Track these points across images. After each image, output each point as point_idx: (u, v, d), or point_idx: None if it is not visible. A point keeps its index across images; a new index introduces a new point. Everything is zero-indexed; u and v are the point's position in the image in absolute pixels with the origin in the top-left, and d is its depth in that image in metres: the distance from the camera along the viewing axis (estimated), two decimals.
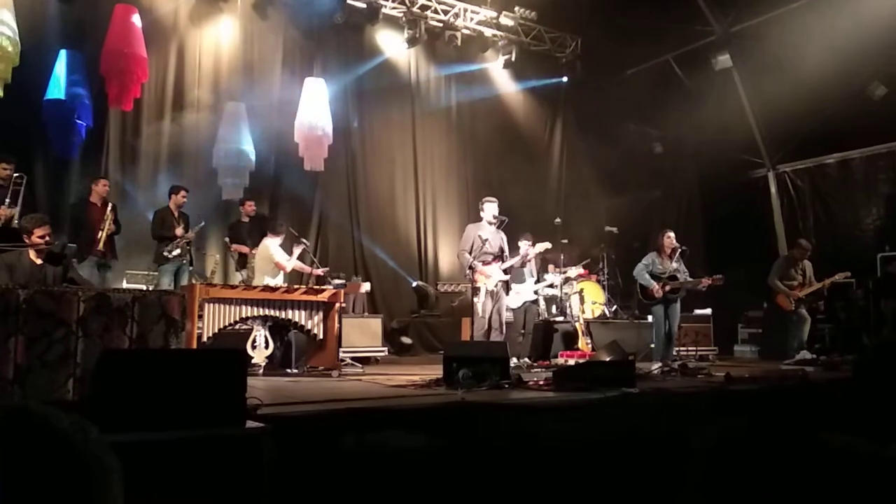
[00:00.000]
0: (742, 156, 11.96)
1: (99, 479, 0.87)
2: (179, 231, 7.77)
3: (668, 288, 7.54)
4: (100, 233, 7.34)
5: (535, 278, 8.42)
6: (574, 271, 9.32)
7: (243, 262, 8.42)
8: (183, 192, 8.02)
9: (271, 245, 7.47)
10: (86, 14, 8.78)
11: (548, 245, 7.59)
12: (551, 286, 9.12)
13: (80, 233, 7.45)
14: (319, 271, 7.84)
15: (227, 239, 8.55)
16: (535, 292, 8.32)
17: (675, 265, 7.69)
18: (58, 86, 8.20)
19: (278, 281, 7.38)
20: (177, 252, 7.73)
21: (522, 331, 8.13)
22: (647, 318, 8.78)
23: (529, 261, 8.00)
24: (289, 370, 6.73)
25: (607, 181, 12.44)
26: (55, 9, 8.64)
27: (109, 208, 7.49)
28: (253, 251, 8.20)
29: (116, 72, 8.42)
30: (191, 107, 9.62)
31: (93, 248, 7.34)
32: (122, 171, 8.98)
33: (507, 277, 7.49)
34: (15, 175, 6.80)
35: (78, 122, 8.22)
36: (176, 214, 7.97)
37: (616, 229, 10.88)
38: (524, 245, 7.87)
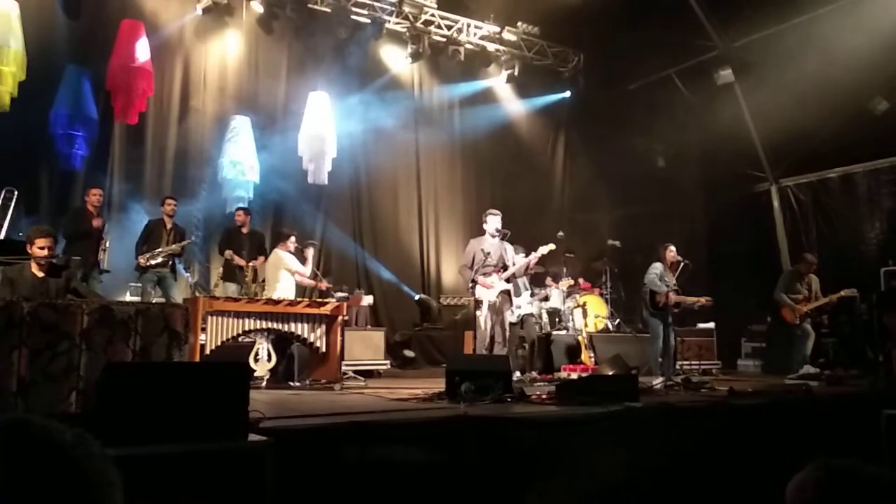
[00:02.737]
0: (745, 170, 11.98)
1: (100, 493, 0.87)
2: (164, 243, 7.79)
3: (674, 299, 7.55)
4: (101, 253, 7.36)
5: (529, 291, 8.40)
6: (565, 283, 9.27)
7: (232, 272, 8.23)
8: (169, 201, 8.05)
9: (284, 256, 7.48)
10: (92, 29, 8.85)
11: (552, 246, 7.54)
12: (546, 298, 9.11)
13: (74, 242, 7.44)
14: (323, 284, 7.84)
15: (227, 252, 8.45)
16: (531, 304, 8.30)
17: (674, 279, 7.71)
18: (64, 100, 8.26)
19: (292, 289, 7.38)
20: (155, 261, 7.72)
21: (524, 344, 8.11)
22: (649, 332, 8.76)
23: (533, 266, 7.94)
24: (291, 383, 6.73)
25: (610, 195, 12.45)
26: (62, 24, 8.70)
27: (105, 230, 7.52)
28: (251, 264, 8.15)
29: (122, 86, 8.49)
30: (195, 120, 9.68)
31: (87, 260, 7.35)
32: (127, 185, 9.00)
33: (509, 287, 7.47)
34: (5, 189, 6.81)
35: (83, 136, 8.27)
36: (168, 226, 7.98)
37: (619, 243, 10.88)
38: (519, 257, 7.85)
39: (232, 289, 8.11)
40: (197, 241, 8.75)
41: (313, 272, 7.82)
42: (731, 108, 11.26)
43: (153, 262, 7.70)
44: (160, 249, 7.76)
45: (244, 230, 8.54)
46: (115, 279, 7.86)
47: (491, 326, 7.21)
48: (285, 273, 7.54)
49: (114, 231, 7.89)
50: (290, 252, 7.61)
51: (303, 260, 7.74)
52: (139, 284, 7.96)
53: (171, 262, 7.91)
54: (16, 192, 6.89)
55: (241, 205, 9.13)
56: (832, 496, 1.23)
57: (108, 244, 7.54)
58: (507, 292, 7.43)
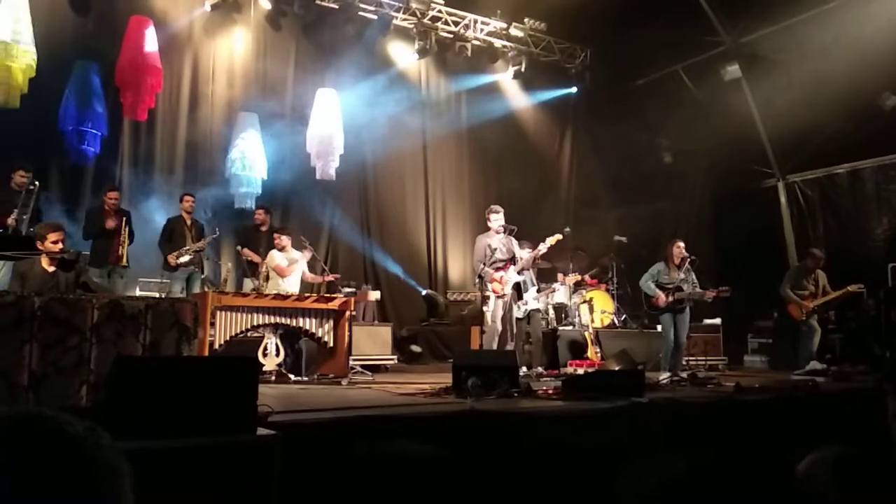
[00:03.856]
0: (752, 166, 11.94)
1: (110, 486, 0.87)
2: (189, 239, 7.85)
3: (671, 299, 7.55)
4: (119, 248, 7.41)
5: (537, 286, 8.42)
6: (571, 279, 9.28)
7: (254, 269, 8.42)
8: (187, 198, 8.13)
9: (275, 255, 7.55)
10: (101, 26, 8.87)
11: (559, 236, 7.56)
12: (553, 292, 9.11)
13: (94, 242, 7.54)
14: (330, 277, 7.87)
15: (238, 247, 8.58)
16: (537, 300, 8.33)
17: (682, 275, 7.69)
18: (73, 96, 8.30)
19: (296, 285, 7.42)
20: (184, 259, 7.79)
21: (530, 340, 8.13)
22: (656, 328, 8.77)
23: (541, 255, 7.95)
24: (299, 378, 6.77)
25: (617, 191, 12.45)
26: (71, 20, 8.75)
27: (124, 221, 7.56)
28: (265, 261, 8.22)
29: (131, 82, 8.52)
30: (204, 117, 9.72)
31: (108, 257, 7.43)
32: (136, 181, 9.05)
33: (522, 278, 7.50)
34: (29, 181, 6.85)
35: (93, 132, 8.31)
36: (188, 222, 8.05)
37: (625, 238, 10.87)
38: (525, 252, 7.87)
39: (252, 286, 8.24)
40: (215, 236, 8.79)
41: (321, 268, 7.84)
42: (738, 103, 11.20)
43: (182, 260, 7.77)
44: (188, 247, 7.82)
45: (263, 228, 8.62)
46: (126, 273, 7.89)
47: (501, 319, 7.25)
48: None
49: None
50: (283, 248, 7.61)
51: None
52: (153, 280, 8.02)
53: (199, 260, 8.00)
54: (38, 185, 6.90)
55: (250, 203, 9.25)
56: (847, 474, 1.25)
57: (124, 241, 7.56)
58: (518, 285, 7.47)
